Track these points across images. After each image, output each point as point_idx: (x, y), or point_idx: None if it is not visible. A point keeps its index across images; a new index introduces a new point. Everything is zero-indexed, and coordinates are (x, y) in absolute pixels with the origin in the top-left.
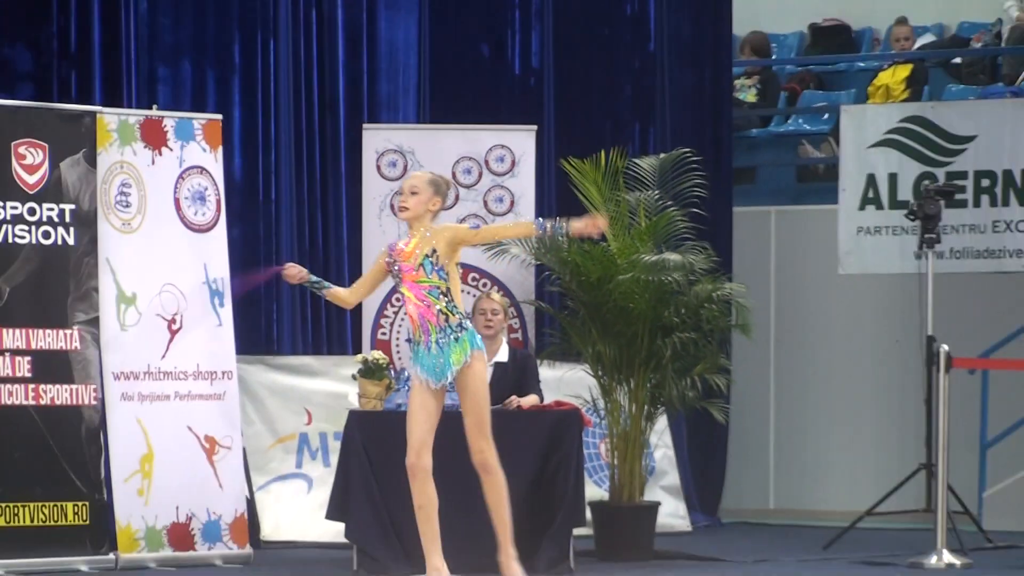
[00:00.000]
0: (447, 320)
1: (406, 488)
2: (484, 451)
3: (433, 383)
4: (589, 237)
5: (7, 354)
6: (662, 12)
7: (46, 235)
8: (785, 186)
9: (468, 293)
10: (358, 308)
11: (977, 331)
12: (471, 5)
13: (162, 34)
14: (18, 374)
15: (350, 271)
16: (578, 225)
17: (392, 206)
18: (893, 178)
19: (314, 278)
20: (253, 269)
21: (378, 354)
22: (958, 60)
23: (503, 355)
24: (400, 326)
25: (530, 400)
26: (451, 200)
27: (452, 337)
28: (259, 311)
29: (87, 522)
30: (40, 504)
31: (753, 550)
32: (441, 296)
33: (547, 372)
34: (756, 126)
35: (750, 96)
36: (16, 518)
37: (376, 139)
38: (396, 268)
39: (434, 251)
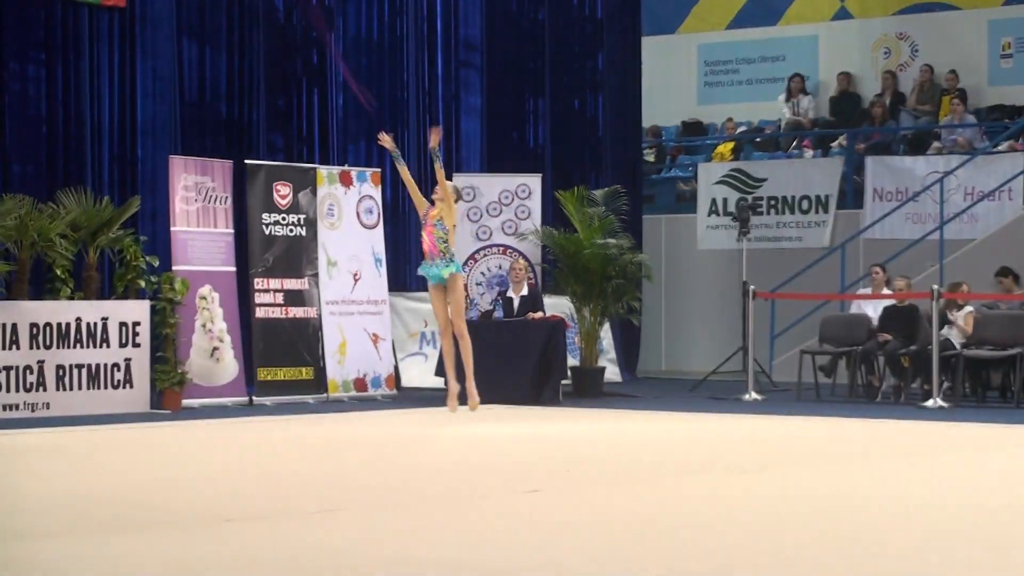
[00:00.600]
0: (443, 255)
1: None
2: (460, 327)
3: (436, 282)
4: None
5: (272, 292)
6: (608, 110)
7: (291, 230)
8: (669, 204)
9: (503, 262)
10: None
11: (768, 278)
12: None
13: (351, 122)
14: (277, 302)
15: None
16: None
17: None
18: (725, 200)
19: (397, 152)
20: (361, 88)
21: None
22: (759, 139)
23: (525, 291)
24: (468, 277)
25: (538, 315)
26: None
27: (444, 262)
28: (400, 266)
29: (312, 378)
30: (289, 368)
31: (653, 391)
32: (441, 241)
33: (547, 300)
34: (654, 172)
35: (651, 157)
36: (277, 375)
37: (460, 181)
38: (424, 219)
39: (441, 218)
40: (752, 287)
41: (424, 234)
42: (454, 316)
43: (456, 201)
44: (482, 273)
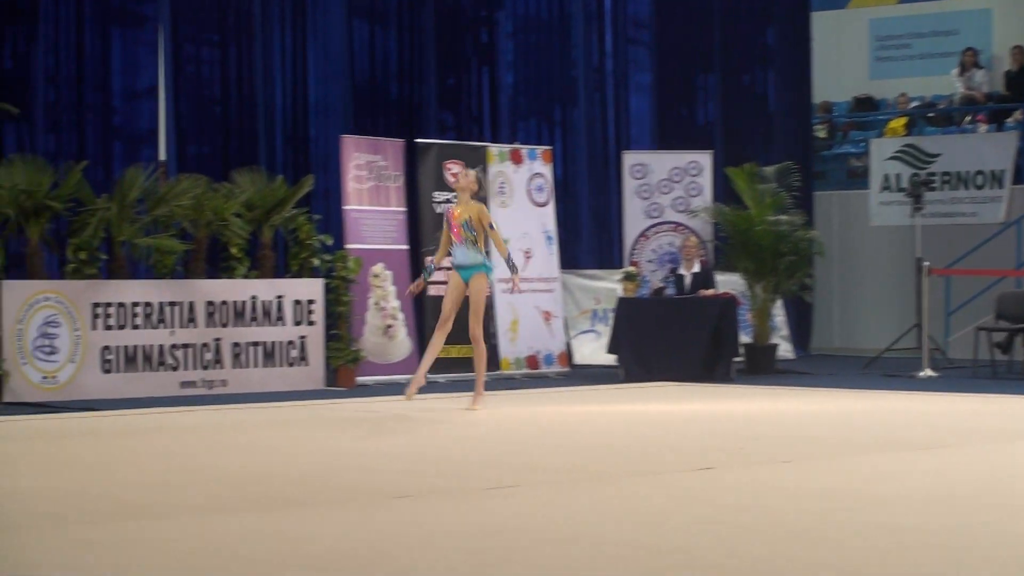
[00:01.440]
0: (472, 247)
1: (645, 334)
2: (475, 331)
3: (459, 272)
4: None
5: (444, 269)
6: (778, 85)
7: None
8: (840, 180)
9: (674, 240)
10: (620, 243)
11: (942, 254)
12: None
13: (521, 100)
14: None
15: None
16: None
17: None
18: (898, 176)
19: (426, 279)
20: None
21: (633, 268)
22: (931, 113)
23: (697, 268)
24: (639, 254)
25: (710, 292)
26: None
27: (473, 261)
28: (571, 244)
29: None
30: (461, 345)
31: (826, 368)
32: (470, 243)
33: (719, 277)
34: (825, 148)
35: (822, 133)
36: (450, 352)
37: (629, 159)
38: (448, 219)
39: (470, 218)
40: (926, 263)
41: (452, 235)
42: (471, 319)
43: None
44: (653, 250)
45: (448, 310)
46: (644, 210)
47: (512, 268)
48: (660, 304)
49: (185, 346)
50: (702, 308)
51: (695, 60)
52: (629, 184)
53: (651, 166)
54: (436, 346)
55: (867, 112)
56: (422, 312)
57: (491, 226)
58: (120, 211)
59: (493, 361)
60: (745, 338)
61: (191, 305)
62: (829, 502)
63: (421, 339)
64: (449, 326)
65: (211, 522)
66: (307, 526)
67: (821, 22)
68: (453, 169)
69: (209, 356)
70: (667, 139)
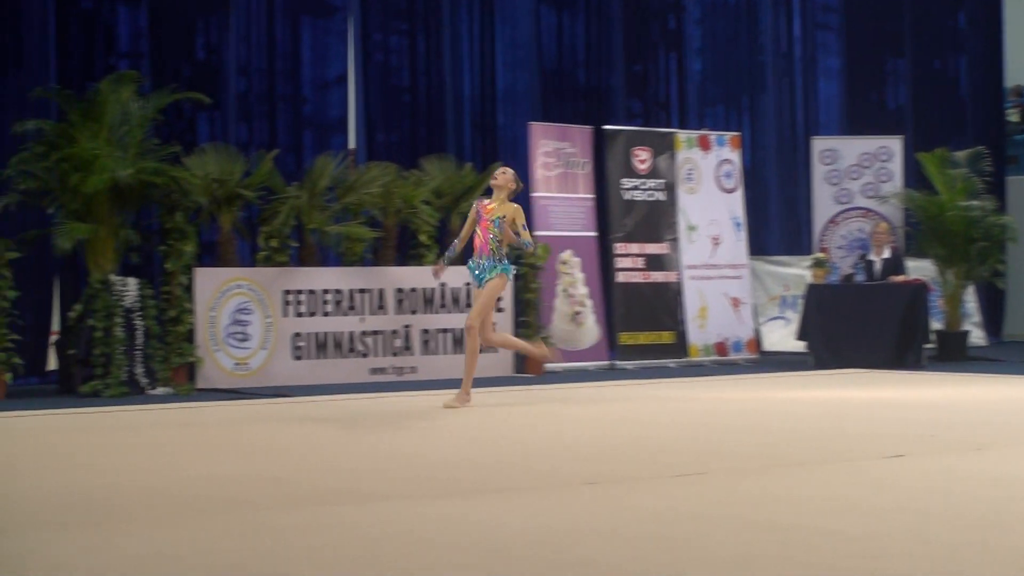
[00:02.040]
0: (492, 253)
1: (834, 321)
2: (470, 319)
3: (477, 285)
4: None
5: (632, 256)
6: (969, 69)
7: (650, 195)
8: None
9: (863, 225)
10: (809, 229)
11: None
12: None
13: (708, 86)
14: (637, 266)
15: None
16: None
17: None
18: None
19: (446, 263)
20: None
21: (822, 255)
22: None
23: (887, 254)
24: (828, 240)
25: (902, 277)
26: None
27: (491, 263)
28: (759, 230)
29: (673, 342)
30: (649, 332)
31: (1019, 354)
32: (496, 242)
33: (910, 263)
34: (1018, 132)
35: (1014, 117)
36: (638, 339)
37: (818, 145)
38: (479, 217)
39: (503, 216)
40: None
41: (479, 229)
42: (473, 309)
43: (514, 190)
44: (842, 236)
45: (475, 313)
46: (833, 196)
47: (525, 245)
48: (850, 291)
49: (375, 333)
50: (892, 294)
51: (885, 44)
52: (818, 170)
53: (840, 152)
54: (474, 351)
55: None
56: (609, 299)
57: (524, 227)
58: (310, 199)
59: (682, 348)
60: (936, 325)
61: (381, 292)
62: (1022, 489)
63: (609, 326)
64: (478, 332)
65: (399, 508)
66: (495, 512)
67: (1013, 4)
68: (641, 156)
69: (399, 343)
70: (856, 124)
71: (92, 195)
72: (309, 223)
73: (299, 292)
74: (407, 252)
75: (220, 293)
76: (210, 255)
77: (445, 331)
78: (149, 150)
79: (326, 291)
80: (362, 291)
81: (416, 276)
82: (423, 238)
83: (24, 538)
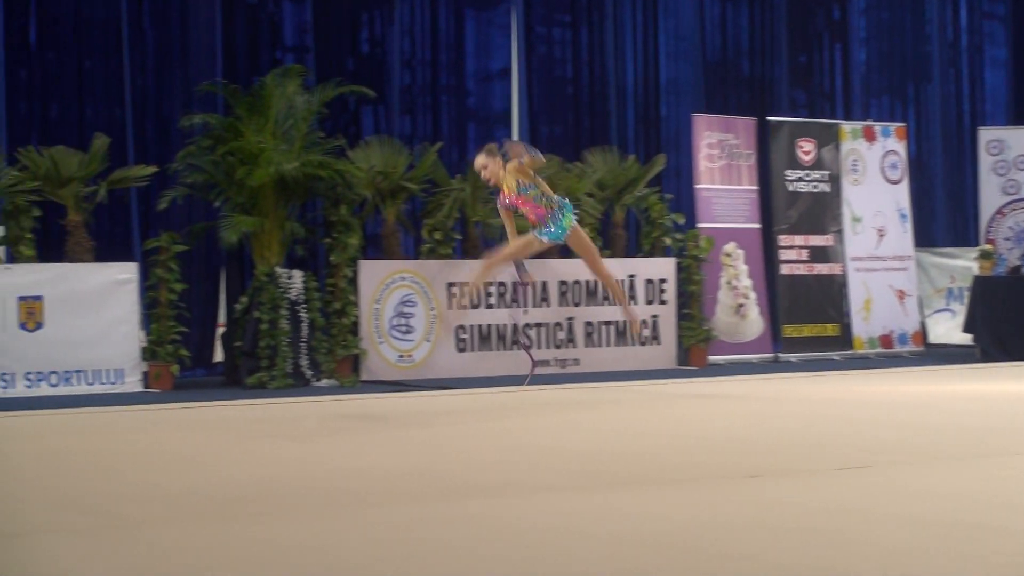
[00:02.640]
0: (549, 207)
1: (1001, 313)
2: (602, 270)
3: (557, 242)
4: None
5: (796, 248)
6: None
7: (815, 187)
8: None
9: None
10: (976, 220)
11: None
12: None
13: (873, 77)
14: (801, 258)
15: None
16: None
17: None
18: None
19: (525, 269)
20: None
21: (989, 246)
22: None
23: None
24: (995, 232)
25: None
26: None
27: (559, 214)
28: (925, 222)
29: (838, 334)
30: (814, 324)
31: None
32: (540, 197)
33: None
34: None
35: None
36: (802, 331)
37: (985, 135)
38: (511, 205)
39: (517, 182)
40: None
41: (525, 211)
42: (591, 264)
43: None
44: (1010, 228)
45: (512, 234)
46: (1000, 187)
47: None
48: (1017, 283)
49: (538, 325)
50: None
51: None
52: (985, 160)
53: (1008, 142)
54: (514, 243)
55: None
56: (773, 291)
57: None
58: (474, 192)
59: (846, 340)
60: None
61: (544, 285)
62: None
63: (773, 318)
64: (519, 238)
65: (555, 500)
66: (654, 504)
67: None
68: (805, 147)
69: (561, 335)
70: None
71: (258, 188)
72: (473, 215)
73: (463, 285)
74: None
75: (384, 285)
76: (374, 248)
77: (608, 323)
78: (314, 143)
79: (489, 284)
80: (525, 284)
81: (579, 268)
82: (586, 231)
83: (222, 523)
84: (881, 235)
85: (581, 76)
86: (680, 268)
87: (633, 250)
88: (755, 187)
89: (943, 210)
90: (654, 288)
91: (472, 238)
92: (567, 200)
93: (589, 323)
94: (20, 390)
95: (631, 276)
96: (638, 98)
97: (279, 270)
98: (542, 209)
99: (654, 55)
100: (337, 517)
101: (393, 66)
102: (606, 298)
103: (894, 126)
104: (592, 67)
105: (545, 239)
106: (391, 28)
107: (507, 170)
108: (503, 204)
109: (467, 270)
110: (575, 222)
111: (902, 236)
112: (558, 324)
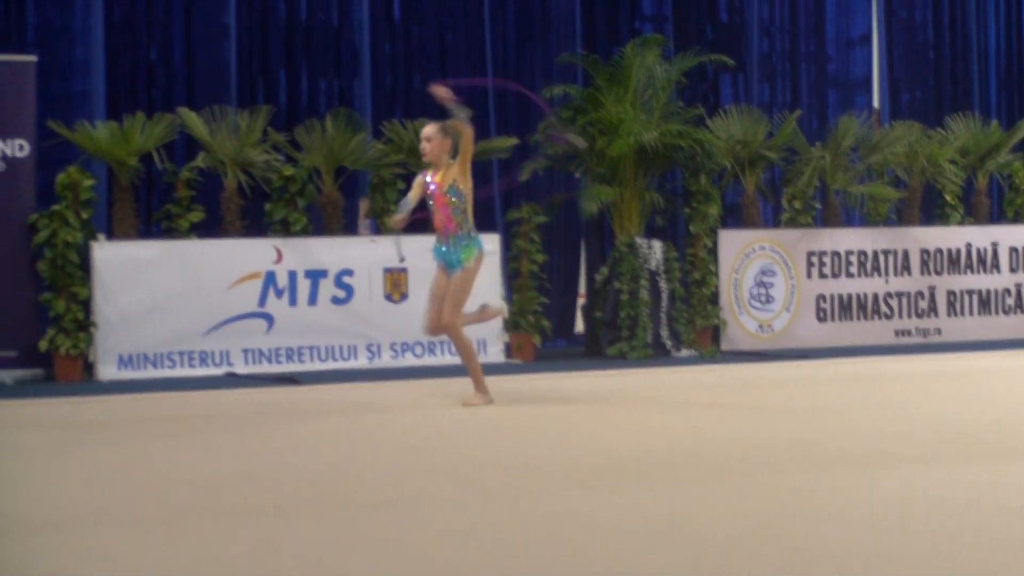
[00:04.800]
0: (459, 228)
1: None
2: (447, 318)
3: (448, 272)
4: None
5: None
6: None
7: None
8: None
9: None
10: None
11: None
12: None
13: None
14: None
15: None
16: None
17: None
18: None
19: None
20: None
21: None
22: None
23: None
24: None
25: None
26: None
27: (463, 242)
28: None
29: None
30: None
31: None
32: (459, 214)
33: None
34: None
35: None
36: None
37: None
38: (430, 195)
39: (455, 181)
40: None
41: (436, 207)
42: (447, 308)
43: (450, 146)
44: None
45: (435, 313)
46: None
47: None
48: None
49: (899, 294)
50: None
51: None
52: None
53: None
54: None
55: None
56: None
57: (468, 188)
58: (834, 159)
59: None
60: None
61: (905, 253)
62: None
63: None
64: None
65: (925, 471)
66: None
67: None
68: None
69: (923, 305)
70: None
71: (617, 158)
72: (833, 184)
73: (823, 254)
74: (932, 212)
75: (744, 255)
76: (733, 217)
77: (971, 292)
78: (673, 113)
79: (850, 253)
80: (886, 252)
81: (941, 236)
82: (948, 198)
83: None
84: None
85: (942, 40)
86: None
87: (996, 217)
88: None
89: None
90: (1018, 256)
91: (832, 206)
92: (481, 238)
93: (951, 292)
94: (386, 360)
95: (994, 244)
96: (1001, 61)
97: (639, 240)
98: (452, 224)
99: (1017, 17)
100: (696, 484)
101: (752, 33)
102: (968, 266)
103: None
104: (954, 31)
105: (434, 255)
106: None
107: (451, 168)
108: (424, 185)
109: (827, 239)
110: (472, 264)
111: None
112: (920, 293)
